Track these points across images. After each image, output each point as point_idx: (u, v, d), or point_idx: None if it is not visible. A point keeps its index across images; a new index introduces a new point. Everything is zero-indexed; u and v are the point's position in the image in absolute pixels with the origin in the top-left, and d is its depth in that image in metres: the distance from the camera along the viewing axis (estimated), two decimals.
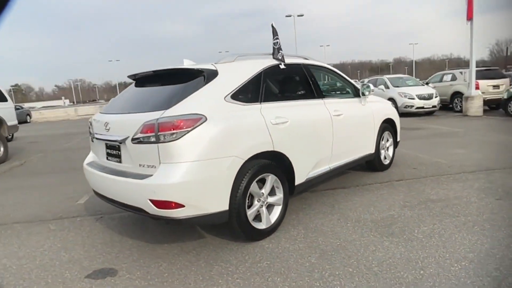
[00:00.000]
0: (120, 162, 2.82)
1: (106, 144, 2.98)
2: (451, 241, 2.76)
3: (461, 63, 51.90)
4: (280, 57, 3.39)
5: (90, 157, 3.36)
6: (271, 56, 3.43)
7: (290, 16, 37.00)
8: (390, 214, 3.39)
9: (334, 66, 4.89)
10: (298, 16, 37.05)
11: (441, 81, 14.59)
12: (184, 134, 2.42)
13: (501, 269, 2.30)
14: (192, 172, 2.44)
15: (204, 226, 3.28)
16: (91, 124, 3.24)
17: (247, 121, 2.80)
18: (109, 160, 2.98)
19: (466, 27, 11.89)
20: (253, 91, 3.01)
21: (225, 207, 2.60)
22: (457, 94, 13.36)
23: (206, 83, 2.70)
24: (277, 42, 3.40)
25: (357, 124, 4.24)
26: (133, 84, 3.35)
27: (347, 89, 4.44)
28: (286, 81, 3.60)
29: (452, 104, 13.66)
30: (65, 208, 4.22)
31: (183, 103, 2.55)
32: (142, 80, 3.26)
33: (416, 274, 2.31)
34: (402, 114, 12.33)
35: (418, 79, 16.08)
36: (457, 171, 4.80)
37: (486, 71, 13.25)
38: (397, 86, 13.69)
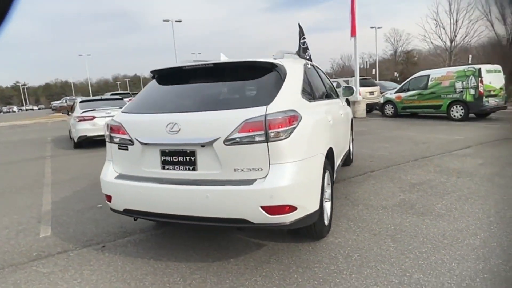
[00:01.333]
0: (193, 169, 2.38)
1: (165, 150, 2.46)
2: (468, 210, 3.38)
3: None
4: (307, 57, 3.47)
5: (114, 169, 2.71)
6: (296, 55, 3.47)
7: (168, 21, 35.98)
8: (402, 199, 3.87)
9: None
10: (177, 21, 36.41)
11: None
12: (291, 132, 2.26)
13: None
14: (300, 172, 2.30)
15: (246, 234, 3.07)
16: (120, 127, 2.61)
17: (320, 118, 2.79)
18: (168, 169, 2.47)
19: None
20: (307, 89, 3.00)
21: (318, 205, 2.53)
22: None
23: (284, 79, 2.56)
24: (305, 42, 3.47)
25: (347, 122, 4.65)
26: (170, 78, 2.87)
27: (335, 90, 4.82)
28: (314, 81, 3.69)
29: None
30: (35, 244, 3.21)
31: (278, 99, 2.36)
32: (192, 73, 2.78)
33: (471, 239, 2.77)
34: None
35: None
36: (404, 161, 5.76)
37: (363, 80, 16.00)
38: None
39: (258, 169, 2.24)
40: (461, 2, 25.25)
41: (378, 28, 37.72)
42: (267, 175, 2.23)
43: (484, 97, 10.34)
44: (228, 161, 2.28)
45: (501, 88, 10.80)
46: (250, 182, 2.23)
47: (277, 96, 2.38)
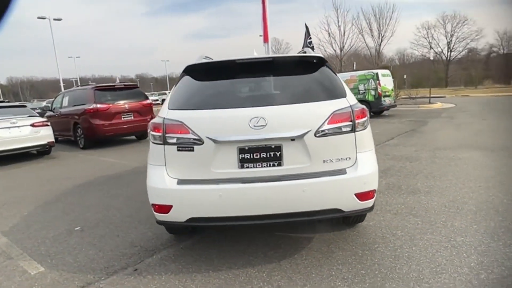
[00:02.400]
0: (279, 165, 2.28)
1: (244, 147, 2.28)
2: (444, 186, 4.10)
3: None
4: None
5: (170, 174, 2.36)
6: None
7: (44, 18, 31.23)
8: (386, 183, 4.41)
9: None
10: (55, 20, 31.90)
11: None
12: (368, 122, 2.42)
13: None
14: (375, 158, 2.48)
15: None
16: (180, 126, 2.31)
17: None
18: (247, 168, 2.29)
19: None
20: None
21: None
22: None
23: (335, 73, 2.67)
24: (311, 41, 3.67)
25: None
26: (221, 72, 2.64)
27: None
28: None
29: None
30: (35, 284, 2.53)
31: (348, 92, 2.48)
32: (246, 67, 2.60)
33: (465, 206, 3.42)
34: None
35: None
36: None
37: None
38: None
39: (346, 158, 2.33)
40: (346, 16, 29.47)
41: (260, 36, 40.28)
42: (355, 163, 2.34)
43: (382, 97, 12.36)
44: (318, 153, 2.29)
45: (392, 90, 13.10)
46: (342, 171, 2.30)
47: (346, 90, 2.50)
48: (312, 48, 3.85)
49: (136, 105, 9.29)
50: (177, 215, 2.33)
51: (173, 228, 2.93)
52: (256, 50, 4.30)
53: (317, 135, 2.27)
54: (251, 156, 2.30)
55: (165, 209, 2.34)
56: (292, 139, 2.27)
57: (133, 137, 10.24)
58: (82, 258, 2.88)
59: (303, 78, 2.61)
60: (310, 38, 3.93)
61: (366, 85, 12.48)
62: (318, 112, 2.30)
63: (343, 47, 28.62)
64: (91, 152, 8.48)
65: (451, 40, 43.09)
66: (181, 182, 2.33)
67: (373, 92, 12.36)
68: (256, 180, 2.26)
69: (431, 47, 41.43)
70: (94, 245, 3.11)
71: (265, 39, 14.58)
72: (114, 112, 8.92)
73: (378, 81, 12.26)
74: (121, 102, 9.08)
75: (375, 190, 2.38)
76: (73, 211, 4.10)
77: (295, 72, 2.64)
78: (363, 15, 31.61)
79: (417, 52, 44.69)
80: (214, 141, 2.27)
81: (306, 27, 3.91)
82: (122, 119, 9.01)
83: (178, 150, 2.31)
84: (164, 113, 2.44)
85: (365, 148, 2.39)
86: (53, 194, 4.87)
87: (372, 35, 31.67)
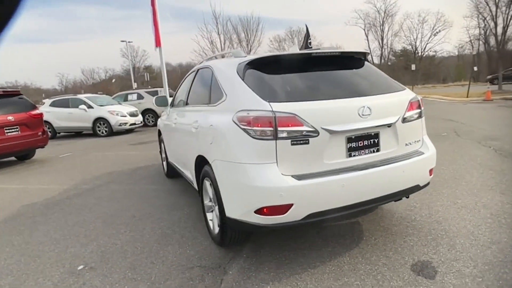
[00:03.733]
0: (377, 151, 2.43)
1: (351, 136, 2.33)
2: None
3: (30, 91, 45.99)
4: None
5: (282, 171, 2.17)
6: None
7: None
8: None
9: None
10: None
11: (126, 100, 15.86)
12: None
13: None
14: None
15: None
16: (294, 118, 2.15)
17: None
18: (354, 156, 2.35)
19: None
20: None
21: None
22: (148, 111, 15.32)
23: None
24: (311, 42, 3.90)
25: None
26: (297, 64, 2.57)
27: None
28: None
29: (144, 119, 15.35)
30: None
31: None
32: (314, 61, 2.60)
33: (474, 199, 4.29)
34: (116, 133, 12.59)
35: (111, 97, 16.07)
36: None
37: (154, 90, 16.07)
38: (102, 105, 13.37)
39: (418, 141, 2.70)
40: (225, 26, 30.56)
41: (129, 42, 37.77)
42: (423, 144, 2.74)
43: None
44: (403, 137, 2.55)
45: None
46: (420, 152, 2.66)
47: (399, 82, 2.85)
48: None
49: (23, 117, 7.36)
50: (296, 214, 2.16)
51: (231, 237, 2.63)
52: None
53: (403, 121, 2.54)
54: (357, 145, 2.37)
55: (282, 209, 2.13)
56: (389, 126, 2.47)
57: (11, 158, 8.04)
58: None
59: (363, 71, 2.80)
60: (310, 39, 4.11)
61: None
62: (400, 100, 2.57)
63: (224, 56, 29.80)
64: None
65: None
66: (299, 177, 2.17)
67: None
68: (361, 168, 2.34)
69: None
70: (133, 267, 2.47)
71: (157, 44, 13.91)
72: None
73: None
74: (1, 112, 7.03)
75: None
76: None
77: (354, 66, 2.81)
78: (231, 26, 33.53)
79: None
80: (330, 131, 2.23)
81: (307, 28, 4.07)
82: (6, 134, 6.99)
83: (292, 144, 2.16)
84: (261, 105, 2.20)
85: (425, 131, 2.83)
86: None
87: (241, 45, 33.87)
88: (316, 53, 2.55)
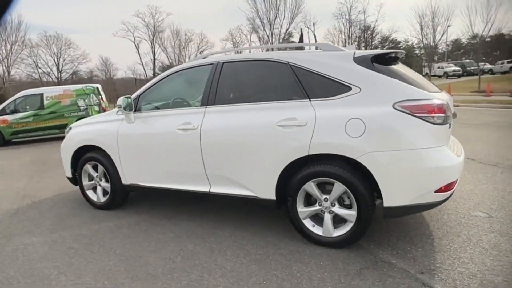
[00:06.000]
0: None
1: None
2: None
3: None
4: None
5: (448, 150, 2.45)
6: None
7: None
8: None
9: None
10: None
11: None
12: None
13: None
14: None
15: None
16: (447, 107, 2.45)
17: None
18: None
19: None
20: None
21: None
22: None
23: None
24: None
25: None
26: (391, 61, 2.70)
27: None
28: None
29: None
30: None
31: None
32: (392, 59, 2.73)
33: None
34: None
35: None
36: None
37: None
38: None
39: None
40: None
41: None
42: None
43: None
44: None
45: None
46: None
47: None
48: None
49: None
50: (453, 188, 2.45)
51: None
52: None
53: None
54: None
55: (453, 185, 2.43)
56: None
57: None
58: None
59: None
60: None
61: (87, 101, 11.35)
62: None
63: None
64: None
65: (59, 62, 44.06)
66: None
67: (97, 108, 11.34)
68: None
69: (37, 66, 41.23)
70: None
71: None
72: None
73: (100, 96, 11.51)
74: None
75: None
76: None
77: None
78: None
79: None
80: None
81: (301, 33, 3.69)
82: None
83: (449, 127, 2.48)
84: (421, 95, 2.40)
85: None
86: None
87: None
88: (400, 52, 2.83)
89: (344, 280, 2.19)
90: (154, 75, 51.30)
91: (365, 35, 40.18)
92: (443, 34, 31.00)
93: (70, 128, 4.15)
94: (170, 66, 52.10)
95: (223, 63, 3.09)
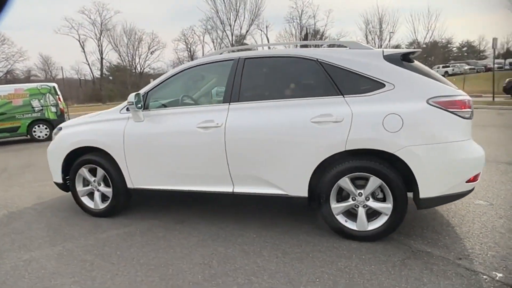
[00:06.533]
0: None
1: None
2: None
3: None
4: None
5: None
6: None
7: None
8: None
9: None
10: None
11: None
12: None
13: None
14: None
15: None
16: (470, 102, 2.61)
17: None
18: None
19: None
20: None
21: None
22: None
23: None
24: None
25: None
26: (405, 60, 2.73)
27: None
28: None
29: None
30: None
31: None
32: (409, 57, 2.79)
33: None
34: None
35: None
36: None
37: None
38: None
39: None
40: None
41: None
42: None
43: (65, 113, 11.16)
44: None
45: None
46: None
47: None
48: None
49: None
50: (479, 178, 2.61)
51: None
52: None
53: None
54: None
55: (478, 175, 2.58)
56: None
57: None
58: None
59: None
60: None
61: (42, 101, 10.39)
62: None
63: None
64: None
65: None
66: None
67: (53, 109, 10.52)
68: None
69: None
70: None
71: None
72: None
73: (57, 96, 10.63)
74: None
75: None
76: None
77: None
78: None
79: None
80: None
81: (306, 31, 3.53)
82: None
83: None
84: (451, 91, 2.55)
85: None
86: None
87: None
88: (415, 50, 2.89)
89: (393, 271, 2.24)
90: (102, 75, 48.82)
91: (315, 39, 42.09)
92: (389, 39, 33.55)
93: (60, 129, 3.74)
94: (119, 66, 49.88)
95: (245, 59, 2.99)
